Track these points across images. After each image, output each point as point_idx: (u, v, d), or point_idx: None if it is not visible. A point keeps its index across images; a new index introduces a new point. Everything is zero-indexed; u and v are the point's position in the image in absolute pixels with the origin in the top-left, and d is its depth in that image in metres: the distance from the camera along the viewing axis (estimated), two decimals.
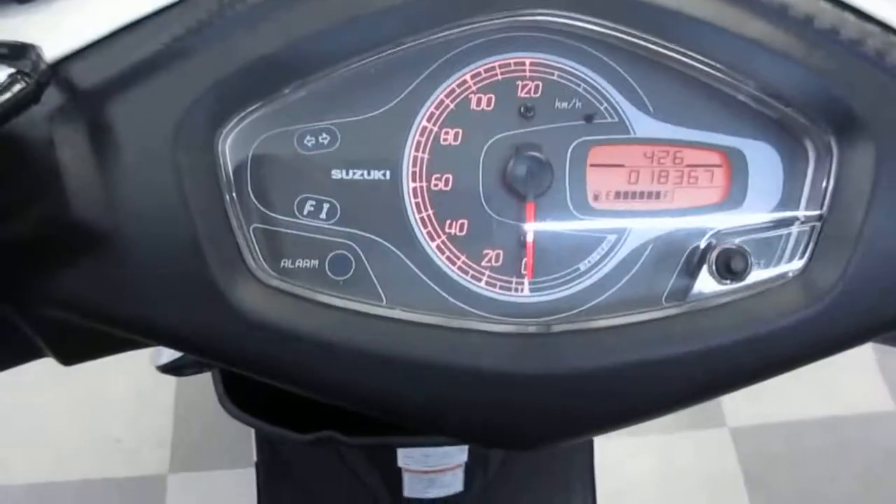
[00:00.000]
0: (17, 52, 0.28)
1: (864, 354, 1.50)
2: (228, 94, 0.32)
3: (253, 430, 0.80)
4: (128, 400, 1.36)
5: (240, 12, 0.31)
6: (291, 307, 0.33)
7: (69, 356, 0.36)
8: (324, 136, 0.34)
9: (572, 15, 0.33)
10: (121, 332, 0.33)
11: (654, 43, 0.33)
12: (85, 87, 0.31)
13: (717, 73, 0.34)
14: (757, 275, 0.35)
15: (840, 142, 0.34)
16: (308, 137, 0.34)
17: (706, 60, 0.34)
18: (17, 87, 0.27)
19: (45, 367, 0.42)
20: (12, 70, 0.28)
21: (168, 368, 0.56)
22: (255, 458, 0.86)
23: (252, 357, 0.34)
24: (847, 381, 1.45)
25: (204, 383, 0.74)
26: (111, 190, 0.31)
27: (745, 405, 1.43)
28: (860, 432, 1.42)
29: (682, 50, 0.33)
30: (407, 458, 0.74)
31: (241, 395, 0.70)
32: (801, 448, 1.39)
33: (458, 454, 0.74)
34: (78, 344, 0.36)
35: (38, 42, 0.30)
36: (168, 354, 0.57)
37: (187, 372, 0.58)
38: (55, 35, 0.31)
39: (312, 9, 0.32)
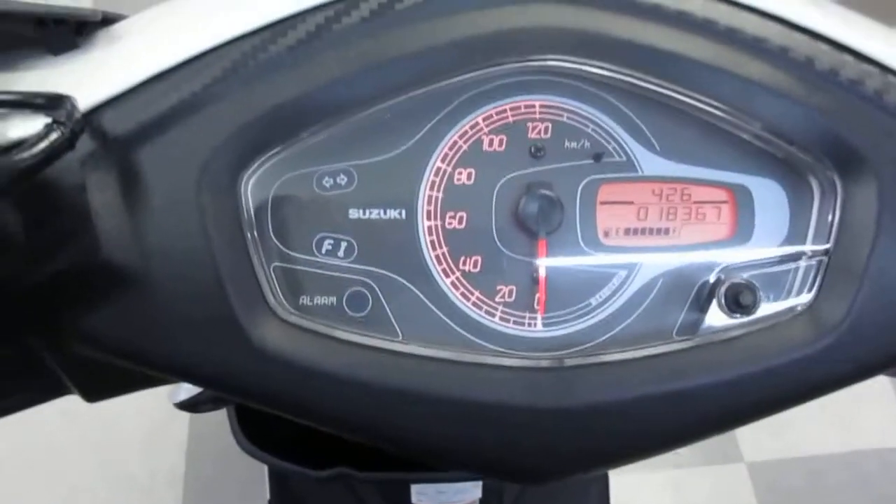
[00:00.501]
0: (53, 103, 0.30)
1: (882, 388, 1.48)
2: (251, 139, 0.33)
3: (266, 467, 0.79)
4: (141, 436, 1.36)
5: (261, 62, 0.33)
6: (310, 343, 0.34)
7: (93, 393, 0.37)
8: (341, 177, 0.36)
9: (579, 60, 0.34)
10: (146, 368, 0.34)
11: (659, 85, 0.35)
12: (115, 134, 0.32)
13: (721, 114, 0.35)
14: (766, 309, 0.36)
15: (843, 179, 0.35)
16: (326, 178, 0.36)
17: (710, 101, 0.35)
18: (53, 136, 0.28)
19: (58, 403, 0.43)
20: (49, 119, 0.29)
21: (186, 405, 0.57)
22: (267, 495, 0.86)
23: (272, 392, 0.34)
24: (865, 415, 1.43)
25: (216, 420, 0.74)
26: (139, 232, 0.32)
27: (763, 440, 1.41)
28: (879, 466, 1.40)
29: (686, 91, 0.35)
30: (420, 494, 0.74)
31: (255, 430, 0.70)
32: (819, 483, 1.37)
33: (473, 490, 0.74)
34: (102, 381, 0.37)
35: (72, 92, 0.31)
36: (186, 392, 0.58)
37: (204, 409, 0.59)
38: (87, 85, 0.33)
39: (331, 58, 0.33)
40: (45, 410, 0.45)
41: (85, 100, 0.32)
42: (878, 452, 1.41)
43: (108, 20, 0.36)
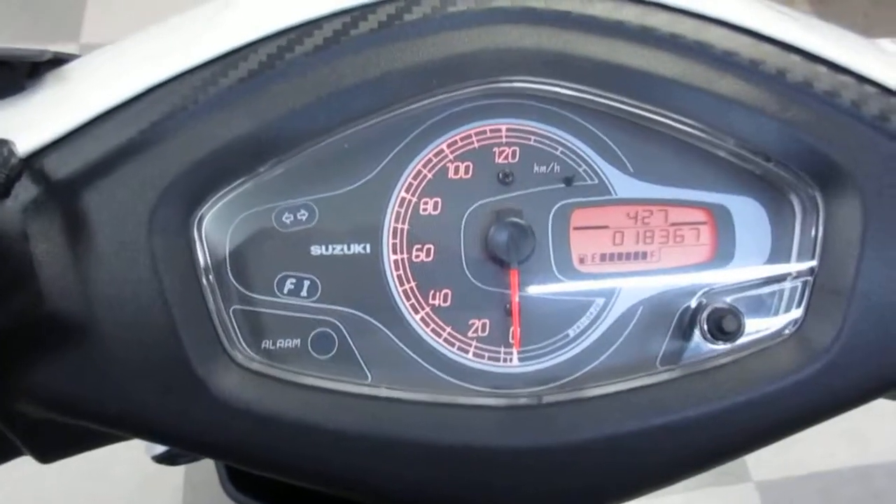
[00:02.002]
0: None
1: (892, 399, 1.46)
2: (203, 177, 0.32)
3: None
4: (134, 486, 1.32)
5: (212, 96, 0.32)
6: (274, 391, 0.32)
7: (47, 453, 0.35)
8: (302, 212, 0.34)
9: (545, 80, 0.33)
10: (98, 425, 0.32)
11: (628, 104, 0.33)
12: (59, 179, 0.31)
13: (694, 131, 0.34)
14: (752, 334, 0.35)
15: (824, 194, 0.33)
16: (286, 215, 0.34)
17: (681, 119, 0.33)
18: None
19: None
20: None
21: (163, 458, 0.55)
22: None
23: (233, 445, 0.32)
24: (875, 428, 1.41)
25: (213, 468, 0.72)
26: (86, 281, 0.30)
27: (771, 458, 1.38)
28: (891, 481, 1.37)
29: (656, 109, 0.33)
30: None
31: (246, 477, 0.68)
32: (830, 500, 1.34)
33: None
34: (55, 440, 0.35)
35: (12, 136, 0.30)
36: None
37: (183, 461, 0.57)
38: (30, 128, 0.31)
39: (285, 88, 0.32)
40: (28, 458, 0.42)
41: (26, 144, 0.31)
42: (890, 466, 1.38)
43: (59, 60, 0.35)
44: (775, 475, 1.37)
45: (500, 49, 0.33)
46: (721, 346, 0.34)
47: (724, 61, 0.33)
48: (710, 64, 0.33)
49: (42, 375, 0.31)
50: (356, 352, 0.34)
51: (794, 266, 0.35)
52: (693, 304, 0.35)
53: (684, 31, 0.33)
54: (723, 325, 0.33)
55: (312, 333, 0.34)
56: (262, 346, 0.34)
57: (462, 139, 0.35)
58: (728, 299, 0.35)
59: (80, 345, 0.31)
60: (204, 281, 0.32)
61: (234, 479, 0.67)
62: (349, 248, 0.34)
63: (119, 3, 1.93)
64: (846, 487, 1.36)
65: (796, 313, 0.34)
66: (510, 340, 0.35)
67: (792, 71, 0.33)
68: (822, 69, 0.33)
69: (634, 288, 0.35)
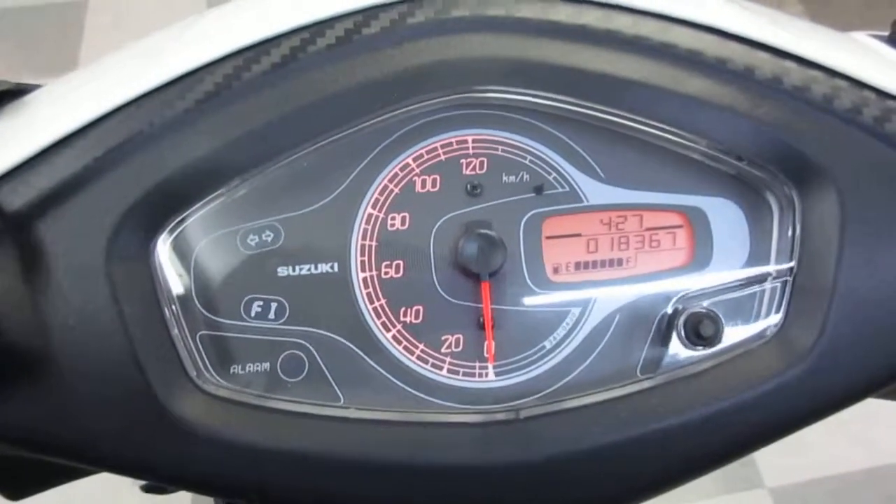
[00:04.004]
0: None
1: None
2: (162, 201, 0.31)
3: None
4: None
5: (169, 119, 0.31)
6: (243, 417, 0.32)
7: (15, 490, 0.34)
8: (267, 233, 0.33)
9: (509, 89, 0.33)
10: (60, 459, 0.31)
11: (596, 109, 0.33)
12: (12, 210, 0.30)
13: (665, 134, 0.33)
14: (732, 338, 0.34)
15: (800, 191, 0.33)
16: (251, 236, 0.33)
17: (650, 122, 0.33)
18: None
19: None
20: None
21: (150, 488, 0.54)
22: None
23: (205, 475, 0.31)
24: (886, 431, 1.39)
25: None
26: (44, 312, 0.30)
27: (783, 462, 1.36)
28: None
29: (624, 114, 0.33)
30: None
31: None
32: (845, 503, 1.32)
33: None
34: (22, 476, 0.34)
35: None
36: None
37: (172, 489, 0.55)
38: None
39: (243, 108, 0.31)
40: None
41: None
42: None
43: (20, 91, 0.35)
44: (788, 480, 1.35)
45: (461, 59, 0.32)
46: (700, 352, 0.33)
47: (690, 61, 0.32)
48: (676, 64, 0.32)
49: (1, 410, 0.30)
50: (327, 373, 0.33)
51: (774, 267, 0.34)
52: (669, 310, 0.34)
53: (648, 32, 0.32)
54: (700, 331, 0.32)
55: (282, 356, 0.33)
56: (231, 371, 0.33)
57: (428, 152, 0.34)
58: (705, 303, 0.34)
59: (40, 378, 0.30)
60: (166, 307, 0.32)
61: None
62: (316, 268, 0.33)
63: (115, 37, 1.94)
64: (859, 491, 1.33)
65: (777, 315, 0.33)
66: (485, 355, 0.34)
67: (760, 67, 0.32)
68: (791, 64, 0.32)
69: (611, 296, 0.34)
